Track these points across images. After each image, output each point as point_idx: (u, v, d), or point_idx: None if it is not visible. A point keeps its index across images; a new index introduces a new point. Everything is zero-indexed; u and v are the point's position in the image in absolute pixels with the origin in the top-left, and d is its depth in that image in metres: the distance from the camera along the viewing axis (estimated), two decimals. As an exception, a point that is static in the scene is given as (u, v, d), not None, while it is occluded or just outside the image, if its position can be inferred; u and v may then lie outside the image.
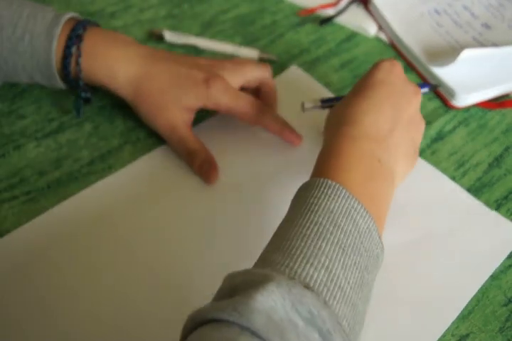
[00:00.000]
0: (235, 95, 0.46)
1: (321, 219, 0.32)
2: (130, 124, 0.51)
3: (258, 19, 0.63)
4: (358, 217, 0.33)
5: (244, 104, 0.46)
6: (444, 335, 0.39)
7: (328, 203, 0.32)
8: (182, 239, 0.43)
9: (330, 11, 0.63)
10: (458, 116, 0.55)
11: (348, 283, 0.30)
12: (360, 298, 0.31)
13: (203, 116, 0.50)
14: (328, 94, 0.55)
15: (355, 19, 0.63)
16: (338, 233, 0.31)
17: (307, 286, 0.28)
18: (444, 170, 0.49)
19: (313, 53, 0.59)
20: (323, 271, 0.29)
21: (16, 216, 0.43)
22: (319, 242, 0.30)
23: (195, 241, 0.43)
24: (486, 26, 0.62)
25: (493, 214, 0.46)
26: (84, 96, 0.48)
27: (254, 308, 0.25)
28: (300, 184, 0.46)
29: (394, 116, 0.40)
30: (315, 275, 0.29)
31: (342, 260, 0.30)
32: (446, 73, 0.55)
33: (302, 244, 0.30)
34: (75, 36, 0.44)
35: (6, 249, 0.41)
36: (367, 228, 0.33)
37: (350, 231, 0.32)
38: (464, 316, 0.40)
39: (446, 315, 0.40)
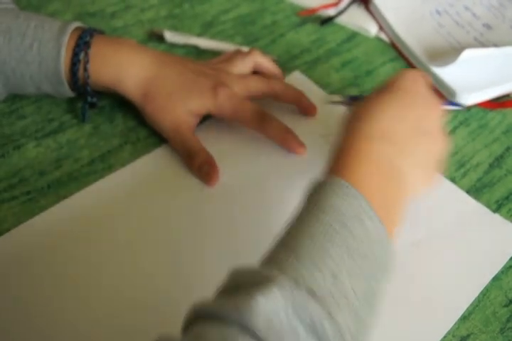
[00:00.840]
0: (240, 104, 0.46)
1: (328, 217, 0.31)
2: (130, 124, 0.50)
3: (258, 19, 0.63)
4: (367, 219, 0.32)
5: (248, 113, 0.46)
6: (444, 336, 0.39)
7: (338, 202, 0.32)
8: (181, 239, 0.43)
9: (330, 11, 0.63)
10: (458, 116, 0.54)
11: (355, 292, 0.29)
12: (365, 308, 0.30)
13: (203, 117, 0.50)
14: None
15: (356, 19, 0.63)
16: (346, 234, 0.30)
17: (311, 292, 0.27)
18: (445, 171, 0.49)
19: (314, 53, 0.59)
20: (329, 278, 0.28)
21: (16, 216, 0.43)
22: (326, 243, 0.30)
23: (194, 241, 0.43)
24: (487, 26, 0.62)
25: (495, 216, 0.46)
26: (90, 101, 0.48)
27: (255, 309, 0.25)
28: (300, 184, 0.46)
29: (413, 124, 0.39)
30: (321, 282, 0.28)
31: (349, 265, 0.29)
32: (447, 73, 0.55)
33: (308, 242, 0.30)
34: (82, 43, 0.45)
35: (5, 248, 0.41)
36: (375, 231, 0.32)
37: (358, 233, 0.31)
38: (465, 317, 0.40)
39: (447, 316, 0.40)
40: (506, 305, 0.41)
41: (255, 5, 0.64)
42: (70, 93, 0.47)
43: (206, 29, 0.61)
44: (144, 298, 0.39)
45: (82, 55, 0.45)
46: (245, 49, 0.56)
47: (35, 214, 0.43)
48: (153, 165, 0.47)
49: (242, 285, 0.28)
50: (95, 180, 0.46)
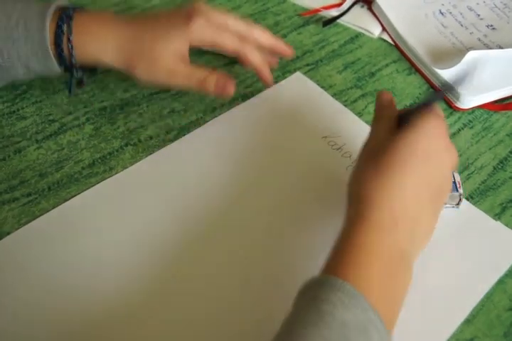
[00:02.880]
0: (218, 28, 0.46)
1: (333, 335, 0.29)
2: (131, 126, 0.50)
3: (261, 20, 0.62)
4: (374, 332, 0.29)
5: (227, 35, 0.47)
6: (448, 340, 0.39)
7: (344, 314, 0.29)
8: (183, 240, 0.43)
9: (333, 12, 0.63)
10: (462, 118, 0.54)
11: None
12: None
13: (204, 115, 0.50)
14: (332, 101, 0.54)
15: (359, 20, 0.62)
16: None
17: None
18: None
19: (317, 54, 0.59)
20: None
21: (16, 218, 0.43)
22: None
23: (196, 242, 0.43)
24: (491, 27, 0.61)
25: (497, 223, 0.46)
26: (77, 76, 0.49)
27: None
28: (300, 184, 0.46)
29: (428, 198, 0.37)
30: None
31: None
32: (450, 75, 0.55)
33: None
34: (65, 16, 0.46)
35: (6, 251, 0.41)
36: None
37: None
38: (469, 320, 0.40)
39: (451, 319, 0.40)
40: (510, 309, 0.41)
41: (257, 6, 0.64)
42: (57, 68, 0.47)
43: (208, 30, 0.60)
44: (144, 297, 0.39)
45: (65, 27, 0.45)
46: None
47: (35, 216, 0.43)
48: (154, 167, 0.47)
49: None
50: (96, 182, 0.46)
